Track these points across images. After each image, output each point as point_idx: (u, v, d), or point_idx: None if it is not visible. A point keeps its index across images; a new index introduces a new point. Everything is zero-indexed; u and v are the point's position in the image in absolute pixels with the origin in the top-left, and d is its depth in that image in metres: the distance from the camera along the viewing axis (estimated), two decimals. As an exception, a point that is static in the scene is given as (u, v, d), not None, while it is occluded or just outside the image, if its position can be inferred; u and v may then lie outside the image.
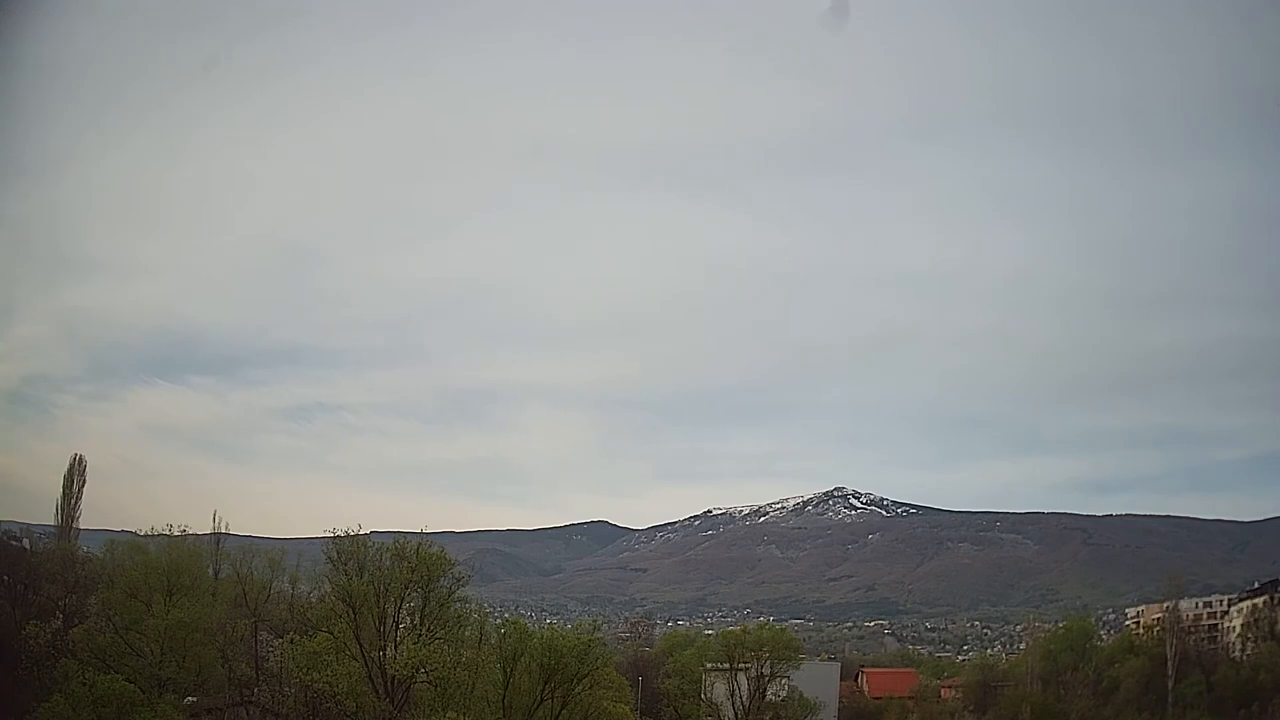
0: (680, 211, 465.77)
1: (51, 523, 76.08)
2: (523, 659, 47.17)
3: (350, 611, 43.45)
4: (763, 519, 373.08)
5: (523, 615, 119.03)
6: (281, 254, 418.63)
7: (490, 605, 72.56)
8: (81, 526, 77.78)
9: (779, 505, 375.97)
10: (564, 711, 47.95)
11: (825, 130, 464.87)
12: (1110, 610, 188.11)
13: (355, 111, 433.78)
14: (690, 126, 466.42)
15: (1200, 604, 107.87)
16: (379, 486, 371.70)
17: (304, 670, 42.45)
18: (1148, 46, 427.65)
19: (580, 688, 48.48)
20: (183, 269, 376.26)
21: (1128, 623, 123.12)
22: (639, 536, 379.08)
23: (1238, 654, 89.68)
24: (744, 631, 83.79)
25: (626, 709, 58.56)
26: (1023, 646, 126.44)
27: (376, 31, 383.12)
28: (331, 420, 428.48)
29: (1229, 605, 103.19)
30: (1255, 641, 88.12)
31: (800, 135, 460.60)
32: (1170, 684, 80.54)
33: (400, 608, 45.05)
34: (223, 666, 49.66)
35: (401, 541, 45.04)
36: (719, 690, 75.36)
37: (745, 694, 74.35)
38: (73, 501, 75.73)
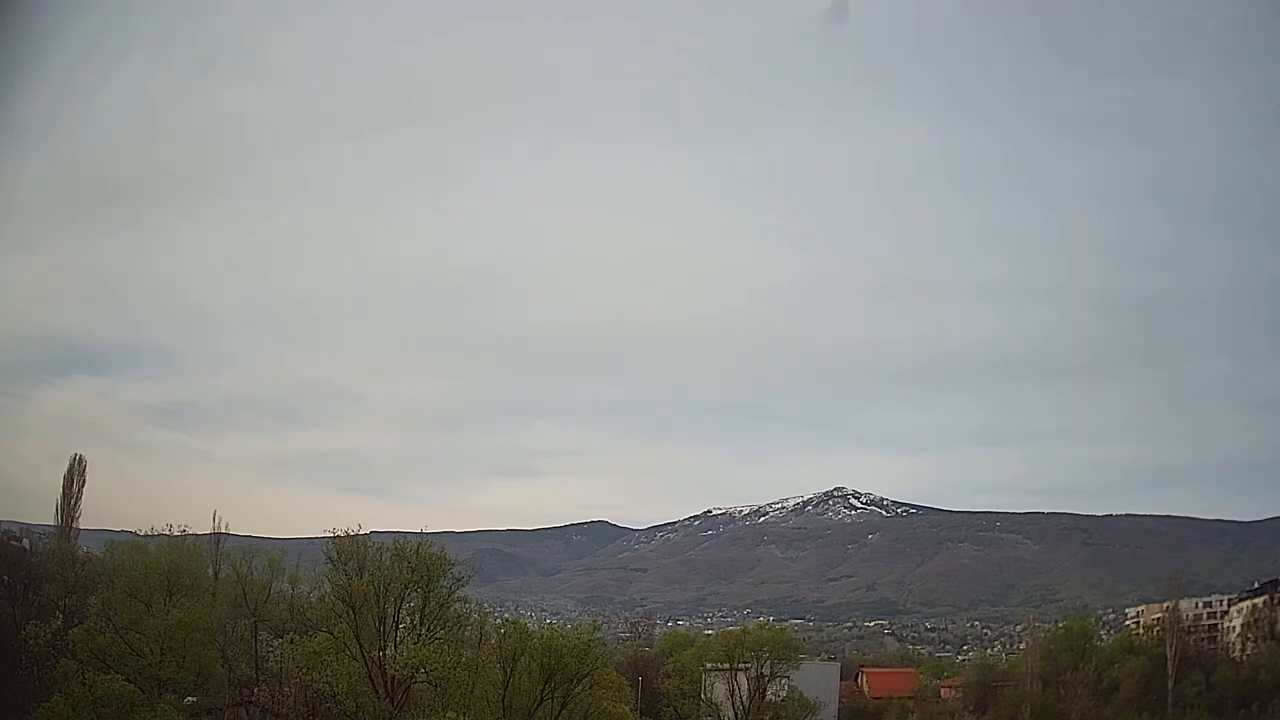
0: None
1: (51, 523, 76.20)
2: (523, 659, 47.19)
3: (350, 611, 43.44)
4: (763, 519, 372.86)
5: (523, 615, 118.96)
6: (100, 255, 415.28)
7: (490, 605, 72.60)
8: (81, 526, 77.91)
9: (779, 505, 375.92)
10: (564, 711, 47.98)
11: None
12: (1110, 610, 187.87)
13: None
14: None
15: (1200, 604, 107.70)
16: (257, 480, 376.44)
17: (304, 670, 42.52)
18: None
19: (580, 688, 48.53)
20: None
21: (1128, 623, 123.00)
22: (639, 536, 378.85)
23: (1238, 654, 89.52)
24: (744, 631, 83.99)
25: (626, 709, 58.54)
26: (1023, 646, 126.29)
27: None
28: (198, 416, 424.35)
29: (1229, 605, 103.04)
30: (1255, 641, 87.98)
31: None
32: (1170, 684, 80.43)
33: (400, 608, 45.08)
34: (223, 666, 49.71)
35: (401, 541, 45.10)
36: (719, 690, 75.50)
37: (745, 694, 74.50)
38: (73, 501, 75.84)
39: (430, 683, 42.00)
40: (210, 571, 60.16)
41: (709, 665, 78.69)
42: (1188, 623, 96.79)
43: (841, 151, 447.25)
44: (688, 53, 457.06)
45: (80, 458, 78.28)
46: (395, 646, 44.39)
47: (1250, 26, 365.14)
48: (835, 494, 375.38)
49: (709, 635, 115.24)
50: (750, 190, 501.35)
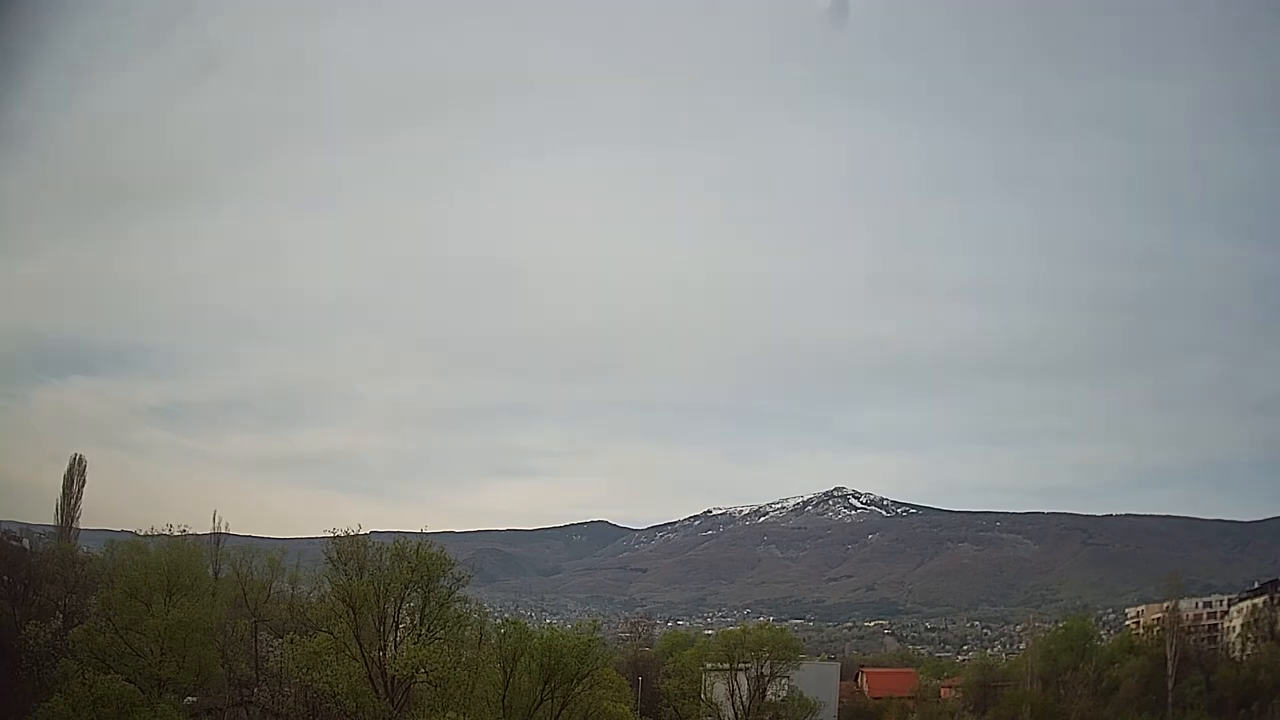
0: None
1: (51, 523, 76.18)
2: (523, 659, 47.22)
3: (350, 611, 43.47)
4: (763, 519, 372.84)
5: (523, 615, 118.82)
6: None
7: (490, 605, 72.65)
8: (81, 526, 77.90)
9: (779, 505, 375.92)
10: (564, 711, 48.00)
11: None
12: (1110, 610, 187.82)
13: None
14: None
15: (1200, 604, 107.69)
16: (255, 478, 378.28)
17: (304, 670, 42.54)
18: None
19: (580, 688, 48.55)
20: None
21: (1128, 623, 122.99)
22: (639, 536, 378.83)
23: (1238, 654, 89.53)
24: (744, 631, 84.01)
25: (626, 709, 58.57)
26: (1023, 646, 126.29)
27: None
28: (197, 416, 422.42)
29: (1229, 605, 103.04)
30: (1255, 641, 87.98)
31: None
32: (1170, 684, 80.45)
33: (400, 608, 45.12)
34: (223, 666, 49.71)
35: (401, 542, 45.13)
36: (719, 690, 75.50)
37: (745, 694, 74.50)
38: (73, 501, 75.80)
39: (430, 683, 42.02)
40: (210, 571, 60.15)
41: (709, 665, 78.69)
42: (1188, 623, 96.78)
43: (840, 153, 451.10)
44: (683, 55, 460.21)
45: (80, 458, 78.34)
46: (395, 646, 44.41)
47: (1234, 25, 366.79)
48: (835, 494, 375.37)
49: (709, 635, 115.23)
50: (750, 190, 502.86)
